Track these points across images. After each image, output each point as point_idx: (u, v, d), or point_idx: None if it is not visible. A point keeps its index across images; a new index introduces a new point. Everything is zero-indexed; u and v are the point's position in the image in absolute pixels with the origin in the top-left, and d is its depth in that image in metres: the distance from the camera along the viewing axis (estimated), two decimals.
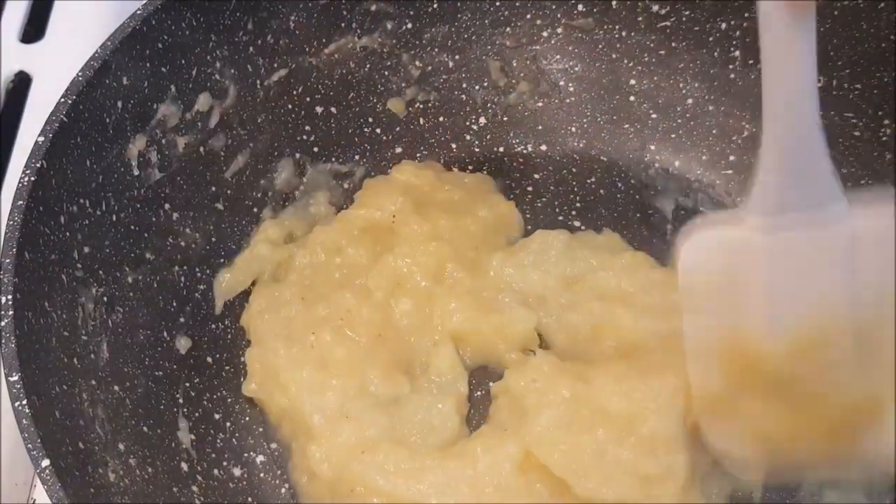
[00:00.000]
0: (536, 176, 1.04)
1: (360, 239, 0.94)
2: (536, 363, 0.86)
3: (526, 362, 0.87)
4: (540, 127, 1.07)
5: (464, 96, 1.07)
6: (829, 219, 0.67)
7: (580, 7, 1.02)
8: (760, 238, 0.69)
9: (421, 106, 1.06)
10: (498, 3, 1.03)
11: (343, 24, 0.98)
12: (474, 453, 0.81)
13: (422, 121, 1.06)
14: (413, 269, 0.91)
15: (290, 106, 0.99)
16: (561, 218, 1.01)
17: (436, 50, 1.04)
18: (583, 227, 1.00)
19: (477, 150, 1.07)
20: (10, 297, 0.72)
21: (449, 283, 0.91)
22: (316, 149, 1.02)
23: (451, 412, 0.86)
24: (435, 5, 1.01)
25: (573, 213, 1.01)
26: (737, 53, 0.98)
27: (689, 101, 1.03)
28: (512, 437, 0.81)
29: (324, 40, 0.98)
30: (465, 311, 0.90)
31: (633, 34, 1.02)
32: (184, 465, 0.85)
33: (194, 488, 0.84)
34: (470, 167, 1.05)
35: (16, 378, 0.69)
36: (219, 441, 0.89)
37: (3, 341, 0.70)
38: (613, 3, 1.01)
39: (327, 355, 0.87)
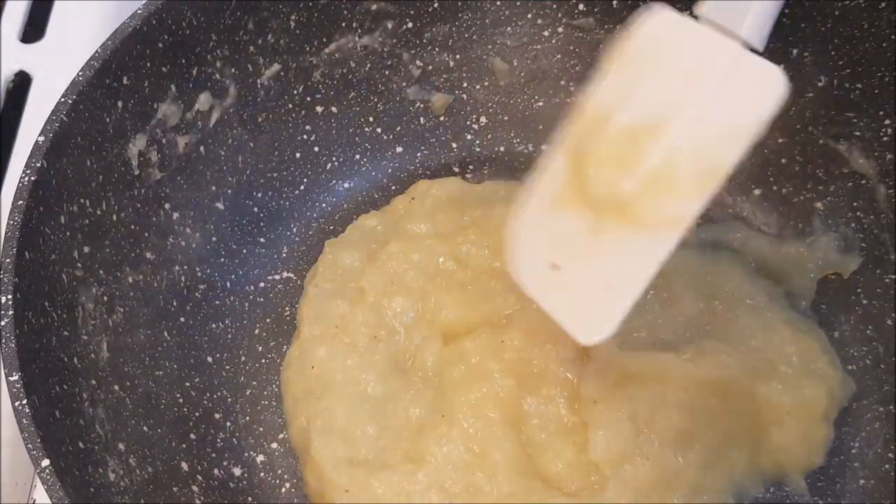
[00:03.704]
0: None
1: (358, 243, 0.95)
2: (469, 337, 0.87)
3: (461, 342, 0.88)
4: (541, 126, 1.07)
5: (465, 96, 1.06)
6: None
7: (581, 7, 1.02)
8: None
9: (421, 105, 1.06)
10: (499, 3, 1.03)
11: (343, 24, 0.98)
12: (432, 453, 0.82)
13: (422, 120, 1.06)
14: (405, 267, 0.91)
15: (290, 106, 0.99)
16: None
17: (436, 49, 1.04)
18: None
19: (478, 149, 1.07)
20: (10, 297, 0.72)
21: (441, 278, 0.91)
22: (316, 148, 1.02)
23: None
24: (436, 5, 1.01)
25: None
26: None
27: None
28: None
29: (324, 40, 0.98)
30: (455, 306, 0.89)
31: None
32: (184, 465, 0.85)
33: (194, 488, 0.84)
34: (470, 167, 1.05)
35: (16, 378, 0.69)
36: (219, 441, 0.89)
37: (3, 341, 0.70)
38: (614, 2, 1.01)
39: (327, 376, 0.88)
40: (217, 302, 0.95)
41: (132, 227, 0.87)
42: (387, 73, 1.03)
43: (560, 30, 1.04)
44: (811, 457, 0.85)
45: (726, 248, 0.97)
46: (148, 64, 0.85)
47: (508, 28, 1.04)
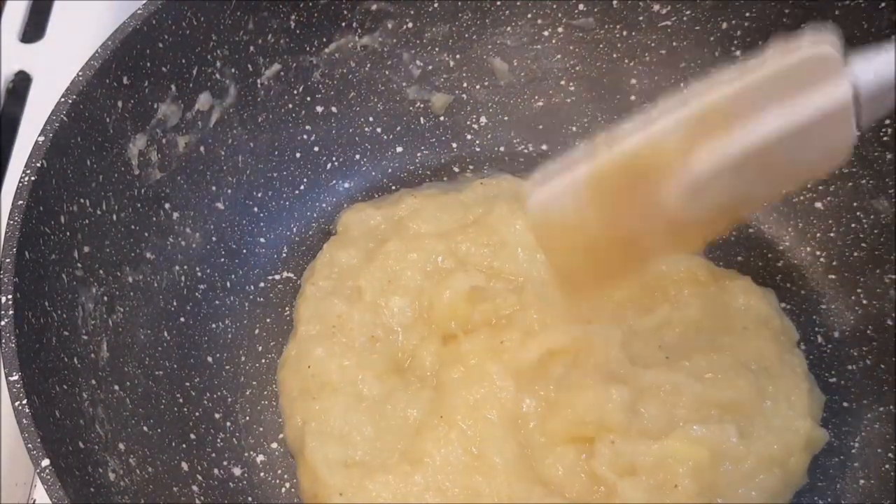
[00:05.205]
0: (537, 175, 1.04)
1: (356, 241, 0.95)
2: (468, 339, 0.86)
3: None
4: (541, 126, 1.07)
5: (465, 96, 1.06)
6: None
7: (581, 6, 1.02)
8: None
9: (421, 105, 1.06)
10: (499, 3, 1.03)
11: (344, 24, 0.98)
12: (430, 454, 0.81)
13: (422, 120, 1.06)
14: (404, 266, 0.91)
15: (290, 106, 0.99)
16: None
17: (436, 49, 1.04)
18: None
19: (478, 149, 1.07)
20: (10, 297, 0.72)
21: (440, 276, 0.91)
22: (316, 148, 1.02)
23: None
24: (436, 4, 1.01)
25: None
26: (738, 53, 0.98)
27: None
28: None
29: (324, 39, 0.98)
30: (455, 304, 0.89)
31: (633, 33, 1.02)
32: (184, 465, 0.85)
33: (194, 488, 0.84)
34: (471, 167, 1.05)
35: (16, 378, 0.69)
36: (219, 441, 0.89)
37: (3, 341, 0.70)
38: (614, 2, 1.01)
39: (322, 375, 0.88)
40: (217, 302, 0.95)
41: (132, 227, 0.87)
42: (387, 73, 1.03)
43: (560, 30, 1.04)
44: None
45: None
46: (148, 64, 0.85)
47: (508, 28, 1.04)
